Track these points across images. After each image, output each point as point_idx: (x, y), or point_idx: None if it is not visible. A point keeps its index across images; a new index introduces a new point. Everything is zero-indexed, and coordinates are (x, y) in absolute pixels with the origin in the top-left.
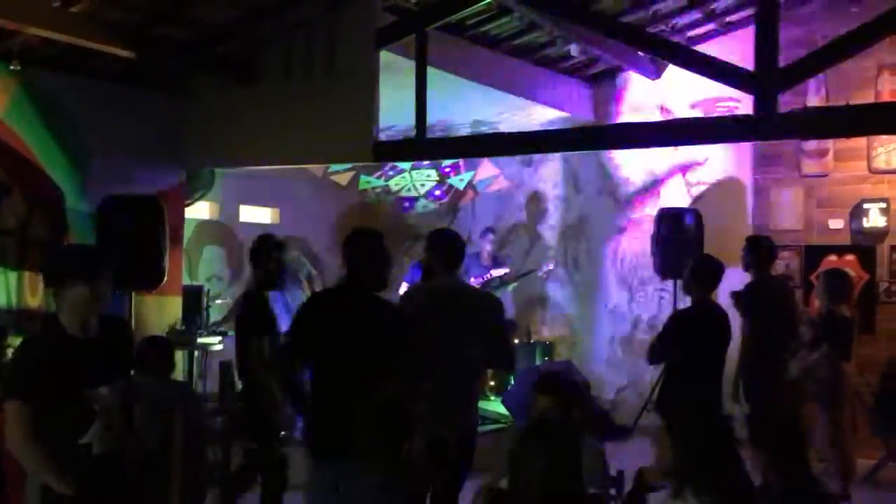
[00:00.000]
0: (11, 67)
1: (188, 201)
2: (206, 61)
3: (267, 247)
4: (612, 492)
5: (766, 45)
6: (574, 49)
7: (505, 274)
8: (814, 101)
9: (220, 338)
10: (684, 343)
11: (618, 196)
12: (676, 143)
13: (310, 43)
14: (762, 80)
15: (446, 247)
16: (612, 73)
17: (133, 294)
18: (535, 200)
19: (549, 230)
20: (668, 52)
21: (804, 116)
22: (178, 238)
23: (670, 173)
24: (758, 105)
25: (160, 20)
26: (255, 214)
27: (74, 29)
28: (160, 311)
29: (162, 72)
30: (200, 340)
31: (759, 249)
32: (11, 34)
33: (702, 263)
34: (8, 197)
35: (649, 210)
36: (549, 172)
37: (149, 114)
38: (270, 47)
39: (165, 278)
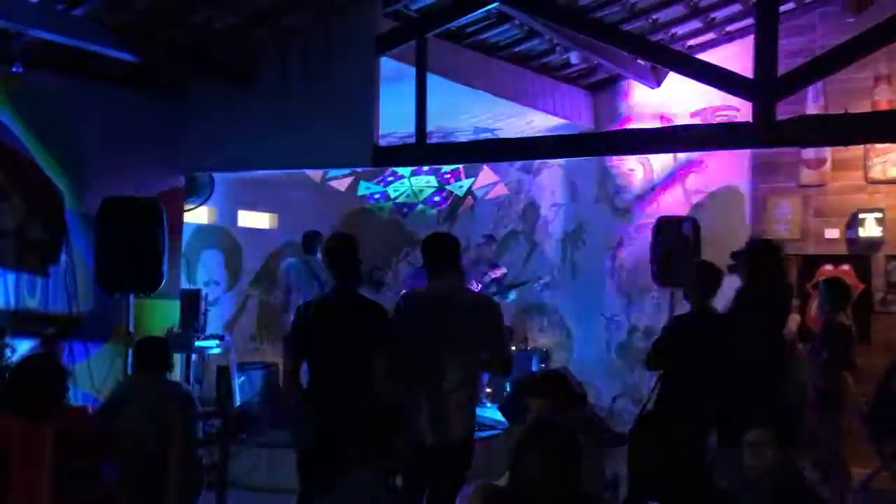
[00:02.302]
0: (13, 69)
1: (188, 207)
2: (205, 66)
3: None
4: (608, 495)
5: (765, 53)
6: (574, 57)
7: (503, 275)
8: (812, 110)
9: (217, 341)
10: (681, 349)
11: (616, 204)
12: (676, 149)
13: (309, 48)
14: (761, 86)
15: (440, 250)
16: (612, 82)
17: (132, 296)
18: (534, 208)
19: (548, 238)
20: (669, 59)
21: (802, 124)
22: (176, 241)
23: (669, 182)
24: (757, 112)
25: (160, 24)
26: (254, 219)
27: (76, 32)
28: (158, 314)
29: (162, 76)
30: (198, 344)
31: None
32: (13, 36)
33: (701, 269)
34: (7, 199)
35: (649, 218)
36: (548, 180)
37: (148, 117)
38: (270, 52)
39: (164, 281)
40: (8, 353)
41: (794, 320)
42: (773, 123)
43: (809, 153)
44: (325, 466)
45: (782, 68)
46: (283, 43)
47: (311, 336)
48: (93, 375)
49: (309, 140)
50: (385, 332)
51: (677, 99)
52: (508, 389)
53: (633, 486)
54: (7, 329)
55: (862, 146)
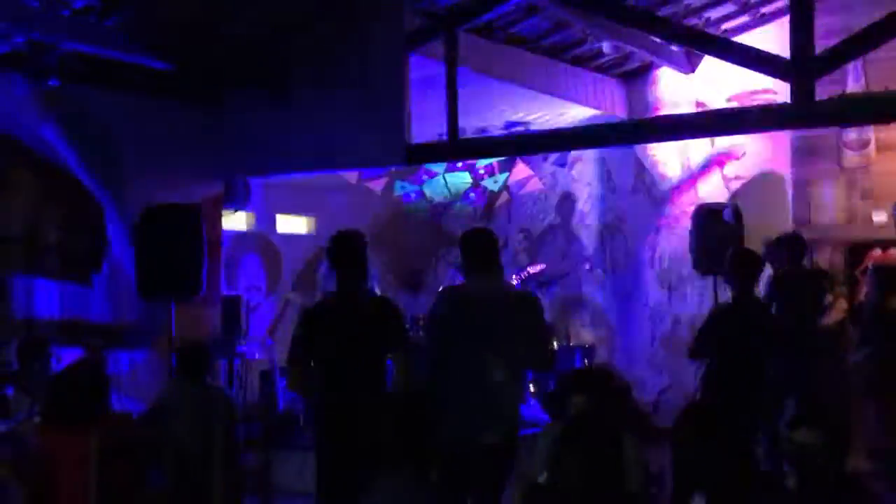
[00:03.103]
0: (50, 83)
1: (226, 213)
2: (239, 74)
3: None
4: (654, 490)
5: (801, 32)
6: (606, 46)
7: (542, 270)
8: (853, 90)
9: (258, 346)
10: (725, 338)
11: (654, 194)
12: (713, 134)
13: (341, 50)
14: (799, 67)
15: (478, 246)
16: (645, 70)
17: (173, 304)
18: (570, 200)
19: (586, 230)
20: (704, 43)
21: (842, 103)
22: (216, 247)
23: (707, 168)
24: (795, 93)
25: (194, 35)
26: (291, 224)
27: (109, 42)
28: (199, 321)
29: (197, 85)
30: (240, 349)
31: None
32: (48, 49)
33: (740, 256)
34: (50, 212)
35: (687, 206)
36: (583, 172)
37: (185, 125)
38: (303, 57)
39: (204, 288)
40: (53, 362)
41: (840, 307)
42: (812, 104)
43: (851, 135)
44: (338, 469)
45: (819, 48)
46: (316, 47)
47: (313, 338)
48: (138, 384)
49: (342, 141)
50: (397, 329)
51: (713, 85)
52: (552, 386)
53: (678, 480)
54: (52, 339)
55: None
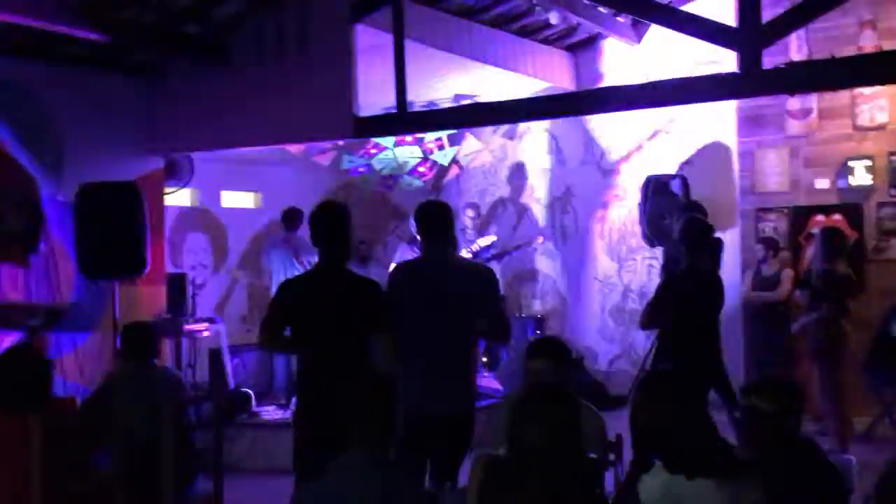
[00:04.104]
0: None
1: (168, 190)
2: (176, 44)
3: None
4: (612, 456)
5: (747, 1)
6: (554, 17)
7: (492, 243)
8: (796, 59)
9: (206, 324)
10: (677, 306)
11: (603, 165)
12: (662, 104)
13: (283, 19)
14: (746, 35)
15: (433, 219)
16: (591, 41)
17: (116, 283)
18: (520, 174)
19: (536, 203)
20: (652, 12)
21: (790, 71)
22: (158, 225)
23: (654, 140)
24: (743, 61)
25: (128, 2)
26: (237, 199)
27: (40, 12)
28: (144, 300)
29: (133, 56)
30: (187, 328)
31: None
32: None
33: (691, 225)
34: None
35: (635, 179)
36: (532, 145)
37: (122, 99)
38: (243, 26)
39: (147, 266)
40: None
41: (788, 274)
42: (760, 72)
43: (795, 104)
44: (321, 447)
45: (766, 17)
46: (257, 16)
47: (294, 314)
48: (81, 366)
49: (288, 114)
50: (380, 307)
51: (658, 56)
52: (505, 357)
53: (636, 445)
54: None
55: (849, 93)
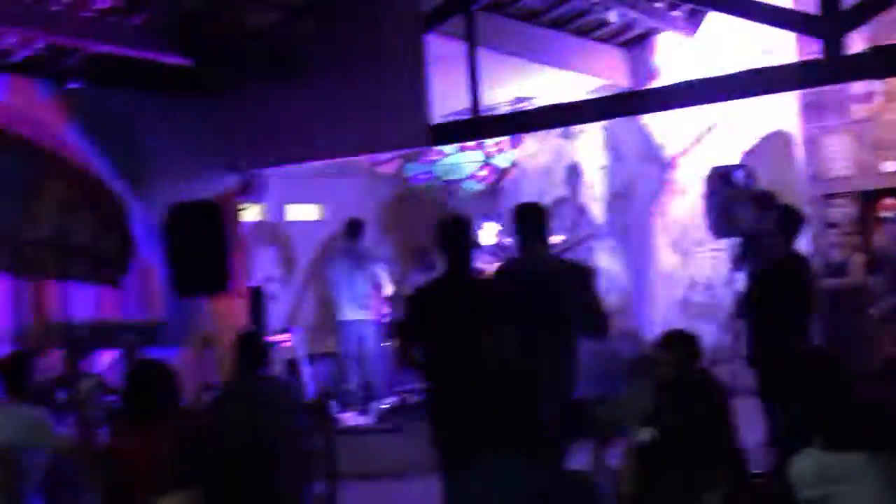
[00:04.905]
0: (72, 85)
1: (242, 207)
2: (252, 62)
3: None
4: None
5: None
6: (614, 15)
7: (561, 241)
8: (860, 46)
9: (286, 335)
10: (768, 295)
11: (661, 160)
12: (741, 96)
13: (355, 33)
14: (829, 22)
15: (531, 219)
16: (645, 36)
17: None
18: (577, 172)
19: (595, 201)
20: (726, 4)
21: (875, 56)
22: (237, 241)
23: (712, 132)
24: (826, 49)
25: (211, 27)
26: (302, 212)
27: (130, 41)
28: (229, 314)
29: (212, 78)
30: (269, 339)
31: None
32: (70, 52)
33: (790, 213)
34: (79, 215)
35: (695, 171)
36: (588, 143)
37: (201, 120)
38: (316, 42)
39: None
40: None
41: (857, 259)
42: (843, 59)
43: (859, 87)
44: (466, 447)
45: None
46: (328, 31)
47: (425, 320)
48: None
49: (362, 126)
50: (503, 309)
51: (714, 49)
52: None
53: (796, 426)
54: (89, 341)
55: None
